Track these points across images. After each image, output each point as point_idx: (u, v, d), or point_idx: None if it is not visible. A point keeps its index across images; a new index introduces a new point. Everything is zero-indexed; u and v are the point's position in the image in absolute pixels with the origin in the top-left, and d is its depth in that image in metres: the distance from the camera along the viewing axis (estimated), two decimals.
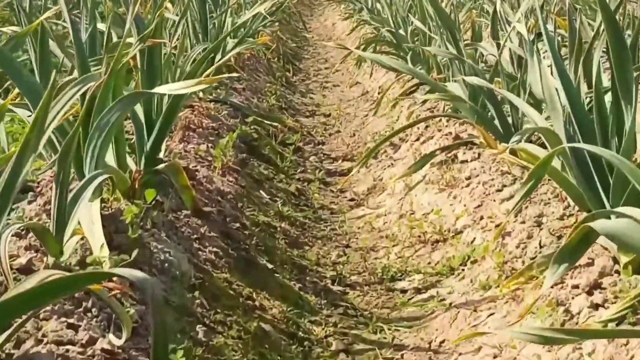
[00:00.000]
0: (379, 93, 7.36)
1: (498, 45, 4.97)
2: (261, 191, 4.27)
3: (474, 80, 3.61)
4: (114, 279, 2.06)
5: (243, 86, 6.47)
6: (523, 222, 3.17)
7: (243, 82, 6.60)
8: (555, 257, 2.15)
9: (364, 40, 8.66)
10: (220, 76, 3.70)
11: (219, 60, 5.11)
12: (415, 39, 7.35)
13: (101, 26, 4.85)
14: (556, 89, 2.65)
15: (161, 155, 3.41)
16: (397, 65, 4.16)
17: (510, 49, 5.63)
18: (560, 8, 6.54)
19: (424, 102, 5.30)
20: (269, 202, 4.17)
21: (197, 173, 3.66)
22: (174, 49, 4.56)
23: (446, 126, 4.99)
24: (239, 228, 3.37)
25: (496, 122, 4.04)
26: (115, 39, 4.20)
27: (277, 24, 11.05)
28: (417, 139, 5.14)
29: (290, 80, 8.89)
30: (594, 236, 2.20)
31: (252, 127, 5.21)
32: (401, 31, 7.45)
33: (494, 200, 3.62)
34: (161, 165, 3.08)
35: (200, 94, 5.34)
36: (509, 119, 3.93)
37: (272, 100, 6.80)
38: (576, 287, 2.51)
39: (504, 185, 3.66)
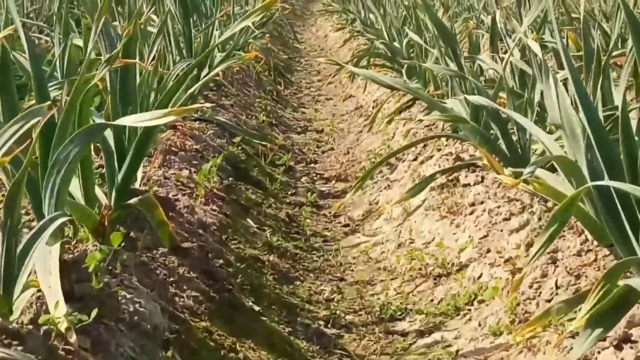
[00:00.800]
0: (373, 107, 7.08)
1: (498, 59, 4.70)
2: (248, 219, 3.96)
3: (479, 100, 3.32)
4: None
5: (231, 102, 6.17)
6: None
7: (231, 98, 6.30)
8: (588, 321, 1.84)
9: (357, 52, 8.37)
10: (194, 106, 3.40)
11: (206, 75, 4.81)
12: (411, 51, 7.07)
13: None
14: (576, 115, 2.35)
15: (137, 184, 3.11)
16: (393, 83, 3.86)
17: (511, 63, 5.36)
18: (567, 19, 6.27)
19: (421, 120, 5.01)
20: (256, 231, 3.86)
21: (177, 203, 3.36)
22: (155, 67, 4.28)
23: (446, 145, 4.69)
24: (222, 265, 3.05)
25: (501, 142, 3.74)
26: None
27: (267, 35, 10.77)
28: (415, 159, 4.84)
29: (282, 93, 8.59)
30: (635, 297, 1.89)
31: (239, 148, 4.91)
32: (396, 43, 7.17)
33: (502, 231, 3.32)
34: (134, 199, 2.77)
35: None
36: (514, 138, 3.63)
37: (262, 117, 6.50)
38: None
39: (512, 214, 3.36)
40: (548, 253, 2.85)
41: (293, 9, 18.22)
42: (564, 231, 3.01)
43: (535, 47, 2.85)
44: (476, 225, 3.50)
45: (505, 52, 6.58)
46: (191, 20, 5.04)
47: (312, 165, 5.80)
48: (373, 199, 4.67)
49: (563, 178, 2.78)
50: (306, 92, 9.34)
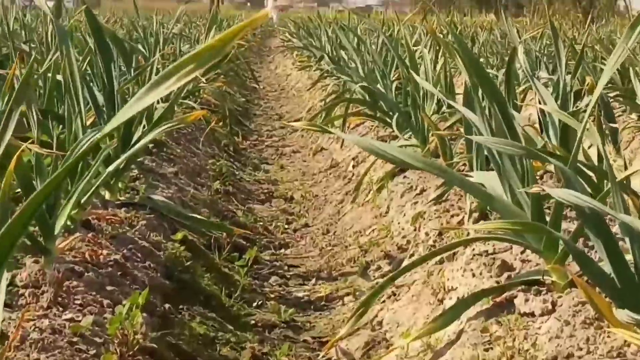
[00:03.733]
0: (353, 166, 5.74)
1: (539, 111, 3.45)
2: None
3: (569, 198, 1.97)
4: None
5: (175, 169, 4.78)
6: None
7: (176, 163, 4.91)
8: None
9: (328, 96, 7.03)
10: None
11: (132, 148, 3.42)
12: (397, 93, 5.78)
13: None
14: None
15: None
16: (415, 161, 2.49)
17: (539, 116, 4.10)
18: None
19: (439, 197, 3.66)
20: None
21: None
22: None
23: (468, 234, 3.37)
24: None
25: (602, 261, 2.39)
26: None
27: (222, 76, 9.42)
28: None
29: (239, 148, 7.22)
30: None
31: (183, 244, 3.51)
32: (379, 86, 5.85)
33: None
34: None
35: (107, 195, 3.64)
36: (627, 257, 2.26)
37: (215, 185, 5.10)
38: None
39: None
40: None
41: (249, 46, 16.92)
42: None
43: None
44: None
45: (527, 99, 5.28)
46: (114, 67, 3.65)
47: (282, 251, 4.42)
48: (374, 317, 3.29)
49: None
50: (268, 143, 7.98)
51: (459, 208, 3.67)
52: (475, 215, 3.37)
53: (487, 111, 2.65)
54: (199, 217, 3.73)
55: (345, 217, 4.78)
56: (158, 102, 5.11)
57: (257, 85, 12.47)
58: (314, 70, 10.25)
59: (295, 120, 9.24)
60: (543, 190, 2.09)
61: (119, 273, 2.80)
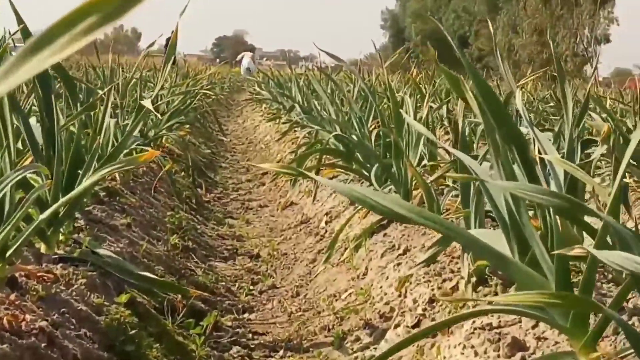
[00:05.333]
0: (326, 222, 5.25)
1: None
2: None
3: (628, 264, 1.49)
4: None
5: (128, 221, 4.24)
6: None
7: (129, 215, 4.38)
8: None
9: (301, 150, 6.56)
10: None
11: (75, 192, 2.91)
12: (376, 144, 5.33)
13: None
14: None
15: None
16: (407, 211, 2.00)
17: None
18: None
19: (432, 258, 3.17)
20: None
21: None
22: None
23: (476, 305, 2.89)
24: None
25: None
26: None
27: (187, 126, 8.94)
28: (417, 322, 2.99)
29: (202, 200, 6.70)
30: None
31: (130, 306, 2.98)
32: (355, 135, 5.40)
33: None
34: None
35: (43, 248, 3.11)
36: None
37: (173, 239, 4.57)
38: None
39: None
40: None
41: (217, 98, 16.51)
42: None
43: None
44: None
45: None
46: (55, 106, 3.13)
47: (246, 316, 3.89)
48: None
49: None
50: (234, 196, 7.48)
51: (451, 271, 3.19)
52: (474, 280, 2.89)
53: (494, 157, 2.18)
54: (150, 275, 3.20)
55: (318, 279, 4.27)
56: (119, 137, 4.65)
57: (224, 137, 12.00)
58: (284, 122, 9.81)
59: (263, 174, 8.77)
60: (587, 252, 1.61)
61: (44, 344, 2.26)
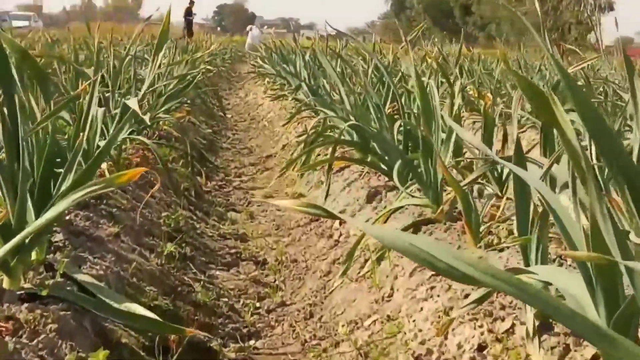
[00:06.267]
0: (340, 223, 4.69)
1: None
2: None
3: None
4: None
5: (117, 229, 3.68)
6: None
7: (118, 222, 3.81)
8: None
9: (311, 132, 5.96)
10: None
11: (42, 221, 2.34)
12: (399, 135, 4.76)
13: None
14: None
15: None
16: (482, 273, 1.48)
17: None
18: None
19: (484, 298, 2.60)
20: None
21: None
22: None
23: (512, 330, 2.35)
24: None
25: None
26: None
27: (186, 105, 8.36)
28: None
29: (202, 191, 6.14)
30: None
31: (113, 351, 2.44)
32: (373, 128, 4.82)
33: None
34: None
35: (5, 282, 2.55)
36: None
37: (169, 248, 4.01)
38: None
39: None
40: None
41: (218, 71, 15.89)
42: None
43: None
44: None
45: None
46: (17, 107, 2.54)
47: (252, 343, 3.35)
48: None
49: None
50: (236, 184, 6.92)
51: (502, 306, 2.63)
52: (536, 324, 2.33)
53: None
54: (135, 311, 2.64)
55: (334, 296, 3.72)
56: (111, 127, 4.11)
57: (225, 114, 11.40)
58: (290, 100, 9.22)
59: (267, 157, 8.20)
60: None
61: None
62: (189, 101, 8.56)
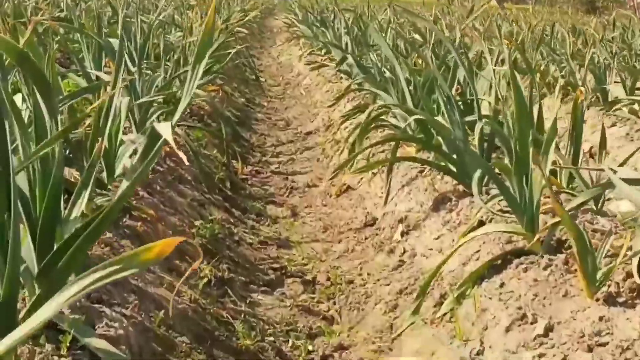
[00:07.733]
0: (402, 234, 4.01)
1: None
2: None
3: None
4: None
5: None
6: None
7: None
8: None
9: (363, 126, 5.23)
10: None
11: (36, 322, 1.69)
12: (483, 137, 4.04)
13: None
14: None
15: None
16: None
17: None
18: None
19: None
20: None
21: None
22: None
23: None
24: None
25: None
26: None
27: (220, 75, 7.65)
28: None
29: (237, 180, 5.48)
30: None
31: None
32: (443, 121, 4.11)
33: None
34: None
35: None
36: None
37: (204, 271, 3.35)
38: None
39: None
40: None
41: (251, 30, 15.13)
42: None
43: None
44: None
45: None
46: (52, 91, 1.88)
47: None
48: None
49: None
50: (274, 167, 6.25)
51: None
52: None
53: None
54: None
55: (405, 342, 3.05)
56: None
57: (257, 79, 10.68)
58: (333, 75, 8.50)
59: (306, 134, 7.51)
60: None
61: None
62: (222, 74, 7.86)
